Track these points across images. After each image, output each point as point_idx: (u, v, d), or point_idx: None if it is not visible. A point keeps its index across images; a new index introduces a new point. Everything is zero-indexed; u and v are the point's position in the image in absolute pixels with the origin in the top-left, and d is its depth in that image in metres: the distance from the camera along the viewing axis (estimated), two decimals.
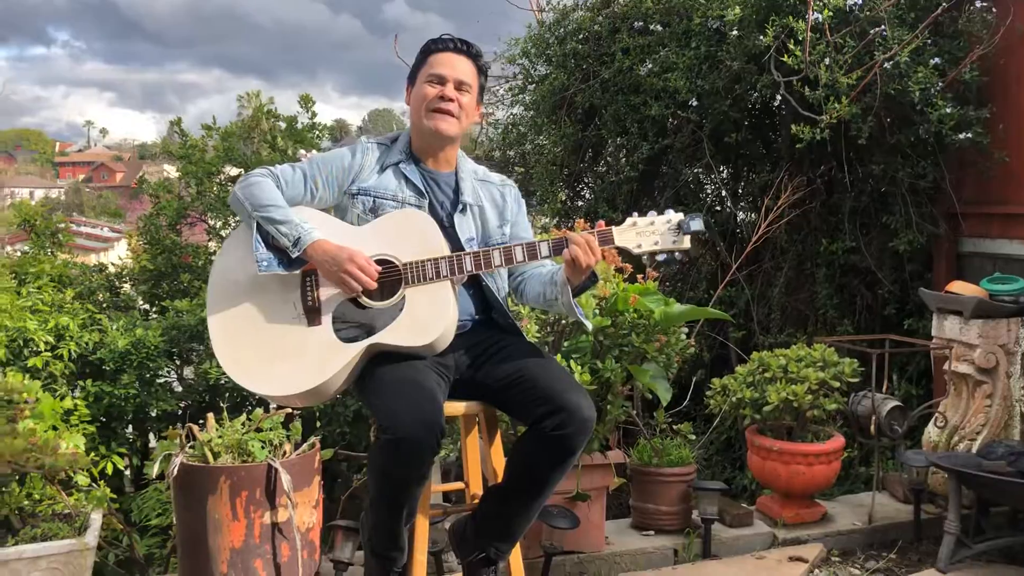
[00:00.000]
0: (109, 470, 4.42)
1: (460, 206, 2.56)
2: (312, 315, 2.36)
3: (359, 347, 2.29)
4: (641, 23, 6.12)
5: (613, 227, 2.39)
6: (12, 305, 4.78)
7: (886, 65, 4.71)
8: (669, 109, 5.75)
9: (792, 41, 4.79)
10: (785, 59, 4.81)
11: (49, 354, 4.57)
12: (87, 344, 4.67)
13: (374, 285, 2.33)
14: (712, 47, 5.50)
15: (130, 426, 4.90)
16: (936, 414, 4.13)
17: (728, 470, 5.62)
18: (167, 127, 7.23)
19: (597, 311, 3.50)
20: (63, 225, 7.10)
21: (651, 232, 2.38)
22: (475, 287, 2.56)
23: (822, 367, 3.80)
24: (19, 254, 7.11)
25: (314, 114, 7.19)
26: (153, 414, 4.81)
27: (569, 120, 6.46)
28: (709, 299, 5.72)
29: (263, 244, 2.38)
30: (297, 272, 2.40)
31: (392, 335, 2.28)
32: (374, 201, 2.49)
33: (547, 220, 6.98)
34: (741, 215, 6.58)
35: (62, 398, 4.61)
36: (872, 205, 5.43)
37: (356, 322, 2.34)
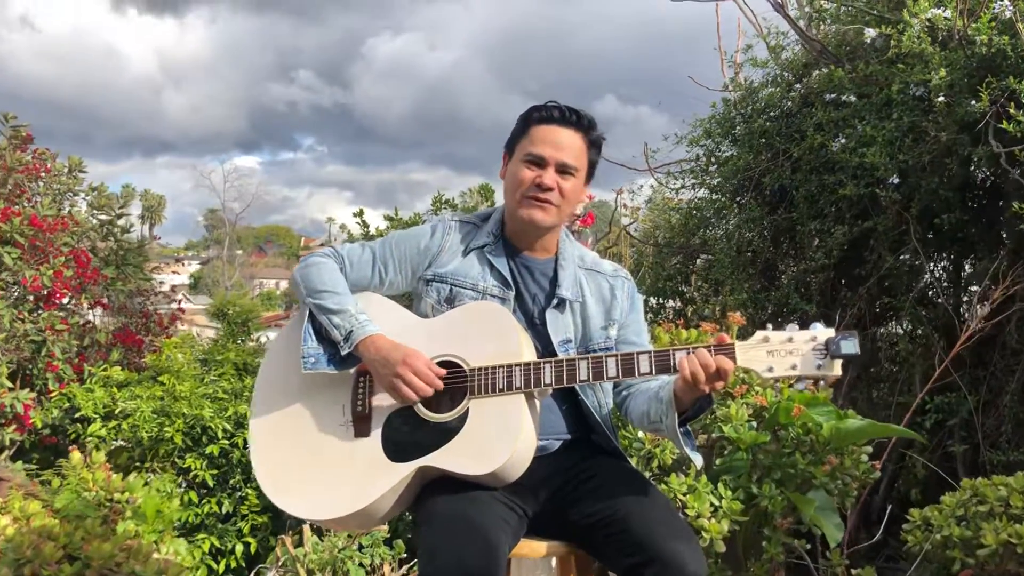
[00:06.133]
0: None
1: (555, 300, 2.15)
2: (361, 424, 2.02)
3: (408, 468, 1.92)
4: (834, 95, 5.52)
5: (737, 342, 1.90)
6: (192, 393, 4.94)
7: None
8: (868, 188, 5.07)
9: (1013, 105, 4.06)
10: (1005, 126, 4.08)
11: (227, 442, 4.61)
12: None
13: (429, 392, 1.96)
14: (916, 117, 4.81)
15: None
16: None
17: None
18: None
19: (753, 423, 2.95)
20: (252, 313, 7.44)
21: (788, 352, 1.86)
22: (570, 402, 2.14)
23: None
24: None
25: (492, 203, 7.13)
26: None
27: (755, 203, 5.92)
28: (923, 406, 4.88)
29: (314, 336, 2.08)
30: (351, 371, 2.08)
31: (448, 458, 1.90)
32: (451, 290, 2.14)
33: (739, 313, 6.39)
34: (977, 309, 5.68)
35: (235, 488, 4.66)
36: None
37: (410, 436, 1.97)
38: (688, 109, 7.10)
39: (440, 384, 1.97)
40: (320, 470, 1.99)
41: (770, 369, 1.87)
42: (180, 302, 8.47)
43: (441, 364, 2.00)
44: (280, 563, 2.85)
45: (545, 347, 2.10)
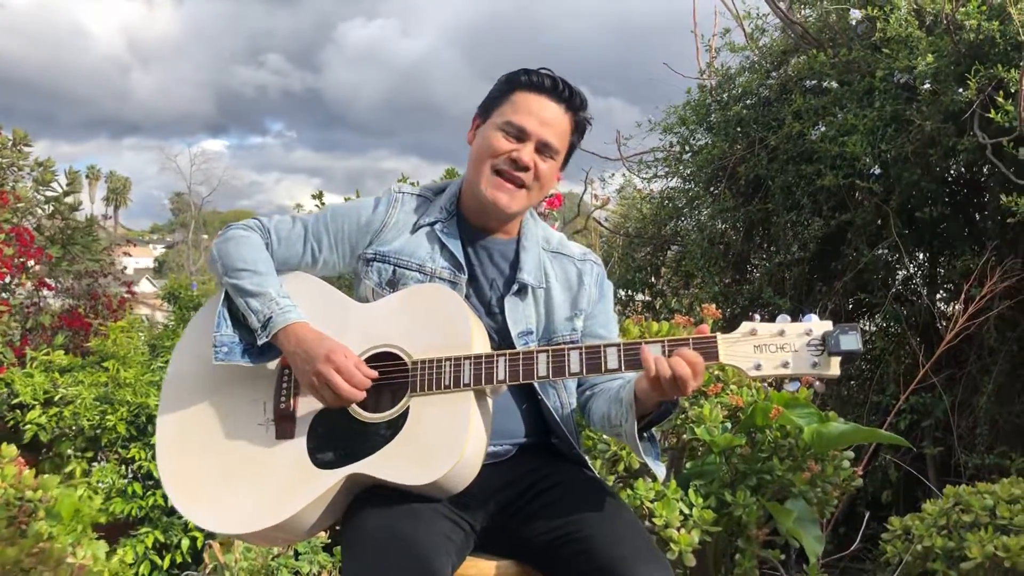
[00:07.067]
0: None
1: (516, 286, 1.89)
2: (284, 424, 1.74)
3: (336, 477, 1.66)
4: (814, 82, 5.32)
5: (719, 336, 1.66)
6: (137, 380, 4.72)
7: None
8: (847, 179, 4.88)
9: (1001, 94, 3.89)
10: (993, 116, 3.90)
11: None
12: None
13: (356, 396, 1.69)
14: (899, 106, 4.62)
15: None
16: None
17: None
18: None
19: (728, 425, 2.73)
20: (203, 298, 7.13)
21: (779, 347, 1.63)
22: (529, 400, 1.89)
23: None
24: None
25: None
26: None
27: (730, 193, 5.71)
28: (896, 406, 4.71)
29: (228, 321, 1.80)
30: (274, 364, 1.81)
31: (382, 465, 1.64)
32: (394, 271, 1.87)
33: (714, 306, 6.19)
34: (943, 306, 5.53)
35: None
36: None
37: (340, 439, 1.71)
38: (661, 101, 6.86)
39: (368, 384, 1.71)
40: (235, 477, 1.72)
41: (758, 367, 1.63)
42: (132, 284, 8.12)
43: (378, 356, 1.73)
44: (209, 570, 2.59)
45: (503, 339, 1.85)
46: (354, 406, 1.70)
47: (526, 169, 1.85)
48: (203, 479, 1.75)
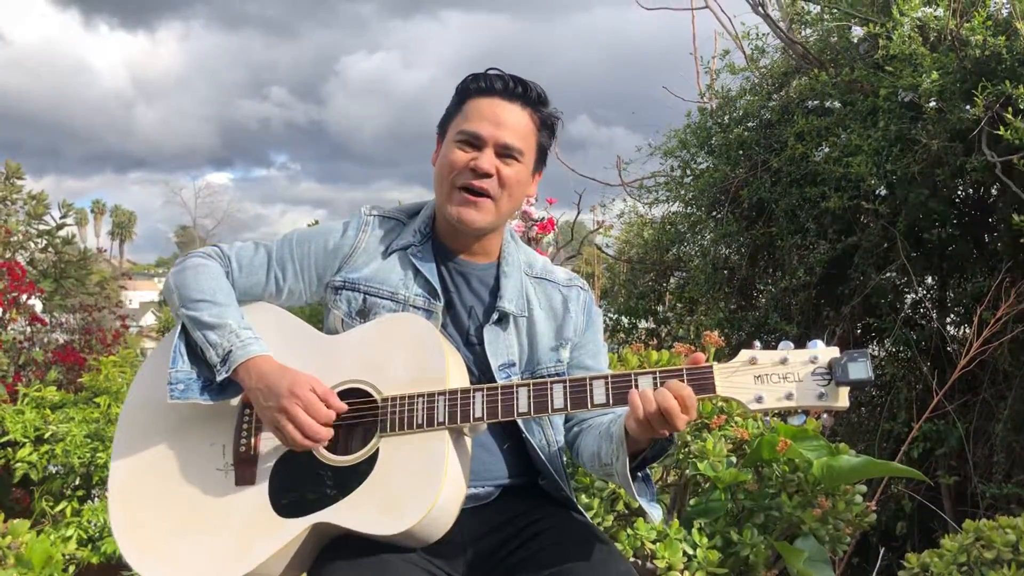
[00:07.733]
0: None
1: (496, 315, 1.76)
2: (244, 469, 1.60)
3: (300, 526, 1.51)
4: (817, 102, 5.22)
5: (716, 365, 1.51)
6: None
7: None
8: (853, 201, 4.76)
9: (1010, 111, 3.77)
10: (1002, 133, 3.78)
11: None
12: None
13: (322, 435, 1.55)
14: (904, 125, 4.51)
15: None
16: None
17: None
18: None
19: (733, 459, 2.59)
20: None
21: (781, 377, 1.48)
22: (512, 439, 1.74)
23: None
24: None
25: None
26: None
27: (733, 216, 5.59)
28: (909, 433, 4.55)
29: (185, 356, 1.66)
30: (235, 402, 1.67)
31: (350, 512, 1.49)
32: (364, 299, 1.73)
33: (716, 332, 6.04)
34: (953, 330, 5.38)
35: None
36: None
37: (305, 484, 1.56)
38: (663, 126, 6.77)
39: (334, 415, 1.57)
40: (191, 528, 1.58)
41: (759, 399, 1.48)
42: (127, 318, 8.02)
43: (346, 393, 1.59)
44: None
45: (482, 372, 1.71)
46: (320, 449, 1.56)
47: (487, 176, 1.72)
48: (157, 530, 1.60)
